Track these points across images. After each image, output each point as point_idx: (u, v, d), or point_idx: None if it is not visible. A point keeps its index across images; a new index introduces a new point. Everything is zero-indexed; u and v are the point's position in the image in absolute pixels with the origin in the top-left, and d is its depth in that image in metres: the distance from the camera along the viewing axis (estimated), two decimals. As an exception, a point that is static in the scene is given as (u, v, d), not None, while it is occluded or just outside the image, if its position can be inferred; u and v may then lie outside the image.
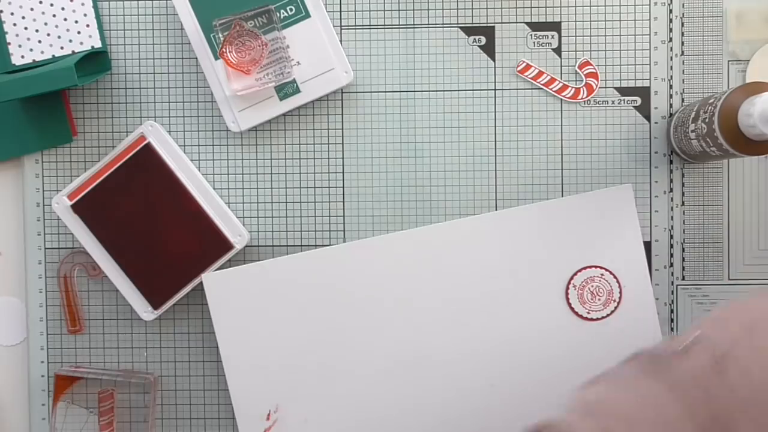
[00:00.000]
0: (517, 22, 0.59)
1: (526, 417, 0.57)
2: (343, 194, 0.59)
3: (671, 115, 0.58)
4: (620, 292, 0.57)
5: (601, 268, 0.56)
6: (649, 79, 0.59)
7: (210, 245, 0.57)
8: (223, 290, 0.57)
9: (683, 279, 0.59)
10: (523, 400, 0.57)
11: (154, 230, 0.57)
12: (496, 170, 0.59)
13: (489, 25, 0.59)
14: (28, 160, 0.60)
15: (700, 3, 0.58)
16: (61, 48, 0.59)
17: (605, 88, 0.59)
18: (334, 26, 0.58)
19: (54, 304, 0.60)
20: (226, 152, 0.59)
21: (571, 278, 0.57)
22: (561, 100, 0.59)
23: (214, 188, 0.59)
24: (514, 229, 0.57)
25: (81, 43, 0.59)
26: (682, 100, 0.59)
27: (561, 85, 0.59)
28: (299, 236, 0.59)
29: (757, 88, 0.47)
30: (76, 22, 0.59)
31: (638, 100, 0.59)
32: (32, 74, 0.54)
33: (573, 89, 0.59)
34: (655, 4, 0.58)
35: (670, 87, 0.59)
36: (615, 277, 0.57)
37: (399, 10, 0.59)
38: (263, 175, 0.59)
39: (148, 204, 0.57)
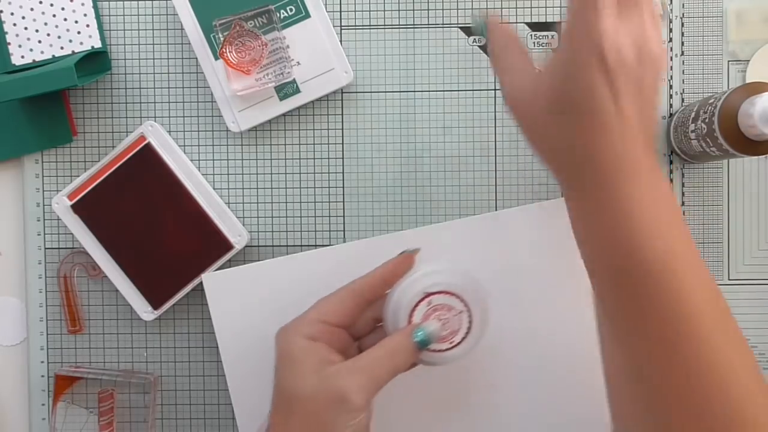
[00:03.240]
0: (517, 22, 0.59)
1: (525, 418, 0.57)
2: (343, 194, 0.59)
3: (671, 115, 0.58)
4: None
5: None
6: (649, 79, 0.58)
7: (210, 245, 0.57)
8: (223, 290, 0.57)
9: (683, 279, 0.58)
10: (522, 401, 0.57)
11: (154, 230, 0.57)
12: (496, 170, 0.59)
13: (489, 25, 0.59)
14: (28, 160, 0.60)
15: (700, 3, 0.58)
16: (61, 48, 0.59)
17: (605, 88, 0.58)
18: (334, 26, 0.58)
19: (54, 304, 0.60)
20: (226, 152, 0.59)
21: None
22: (561, 100, 0.59)
23: (214, 188, 0.59)
24: (514, 229, 0.57)
25: (81, 43, 0.59)
26: (682, 100, 0.59)
27: (561, 85, 0.58)
28: (299, 236, 0.59)
29: (757, 88, 0.47)
30: (76, 22, 0.59)
31: (638, 100, 0.58)
32: (32, 74, 0.54)
33: (573, 89, 0.58)
34: (655, 4, 0.58)
35: (670, 87, 0.59)
36: None
37: (399, 10, 0.59)
38: (263, 175, 0.59)
39: (148, 204, 0.57)
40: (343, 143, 0.59)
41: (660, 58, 0.40)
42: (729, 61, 0.58)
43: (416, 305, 0.47)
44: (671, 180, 0.59)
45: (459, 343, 0.47)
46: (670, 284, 0.39)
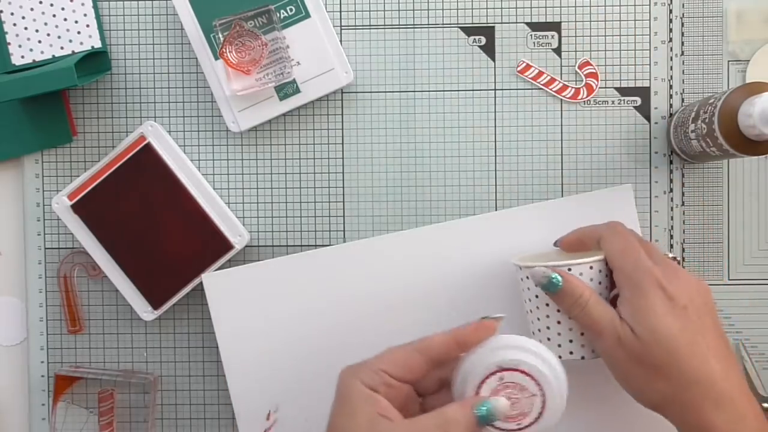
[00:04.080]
0: (517, 22, 0.59)
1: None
2: (343, 194, 0.59)
3: (671, 115, 0.58)
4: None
5: None
6: (649, 79, 0.59)
7: (210, 245, 0.57)
8: (223, 290, 0.57)
9: (683, 279, 0.58)
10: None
11: (154, 230, 0.57)
12: (496, 170, 0.59)
13: (489, 25, 0.59)
14: (28, 160, 0.60)
15: (700, 3, 0.58)
16: (61, 48, 0.59)
17: (605, 88, 0.59)
18: (334, 26, 0.58)
19: (54, 304, 0.60)
20: (226, 152, 0.59)
21: None
22: (561, 100, 0.59)
23: (214, 188, 0.59)
24: (514, 229, 0.57)
25: (81, 43, 0.59)
26: (682, 100, 0.59)
27: (561, 85, 0.59)
28: (299, 236, 0.59)
29: (757, 88, 0.47)
30: (76, 22, 0.59)
31: (638, 100, 0.59)
32: (32, 74, 0.54)
33: (573, 89, 0.59)
34: (655, 4, 0.58)
35: (670, 87, 0.59)
36: None
37: (399, 10, 0.59)
38: (263, 175, 0.59)
39: (148, 204, 0.57)
40: (343, 143, 0.59)
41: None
42: (729, 61, 0.58)
43: (487, 377, 0.43)
44: (671, 180, 0.59)
45: (527, 427, 0.43)
46: None
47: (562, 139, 0.59)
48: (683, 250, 0.59)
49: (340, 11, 0.59)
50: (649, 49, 0.59)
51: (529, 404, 0.43)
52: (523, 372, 0.43)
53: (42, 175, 0.60)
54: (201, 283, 0.57)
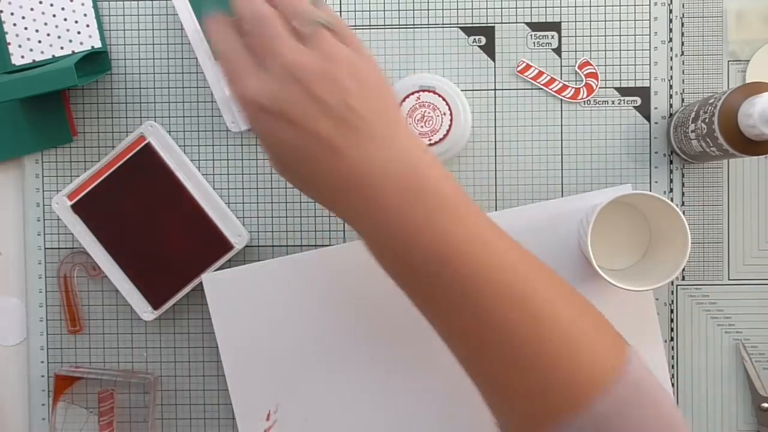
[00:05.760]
0: (517, 22, 0.59)
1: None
2: (343, 194, 0.59)
3: (671, 115, 0.58)
4: None
5: None
6: (649, 79, 0.59)
7: (210, 245, 0.57)
8: (223, 290, 0.57)
9: (683, 279, 0.59)
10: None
11: (154, 230, 0.57)
12: (496, 170, 0.59)
13: (489, 25, 0.59)
14: (28, 160, 0.60)
15: (700, 3, 0.58)
16: (61, 48, 0.59)
17: (605, 88, 0.59)
18: (334, 26, 0.58)
19: (54, 304, 0.60)
20: (226, 152, 0.59)
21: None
22: (561, 100, 0.59)
23: (214, 188, 0.59)
24: (514, 229, 0.57)
25: (81, 43, 0.59)
26: (682, 100, 0.59)
27: (561, 85, 0.59)
28: (299, 236, 0.59)
29: (757, 88, 0.47)
30: (76, 22, 0.59)
31: (638, 100, 0.59)
32: (32, 74, 0.54)
33: (573, 89, 0.59)
34: (655, 4, 0.58)
35: (670, 87, 0.59)
36: None
37: (399, 10, 0.59)
38: (263, 175, 0.59)
39: (148, 204, 0.57)
40: (343, 143, 0.59)
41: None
42: (729, 61, 0.58)
43: (407, 96, 0.54)
44: (671, 180, 0.59)
45: (437, 142, 0.54)
46: (456, 271, 0.40)
47: (562, 139, 0.59)
48: (683, 250, 0.59)
49: (340, 11, 0.59)
50: (649, 49, 0.59)
51: (439, 122, 0.54)
52: (435, 93, 0.54)
53: (42, 175, 0.60)
54: (201, 283, 0.57)
